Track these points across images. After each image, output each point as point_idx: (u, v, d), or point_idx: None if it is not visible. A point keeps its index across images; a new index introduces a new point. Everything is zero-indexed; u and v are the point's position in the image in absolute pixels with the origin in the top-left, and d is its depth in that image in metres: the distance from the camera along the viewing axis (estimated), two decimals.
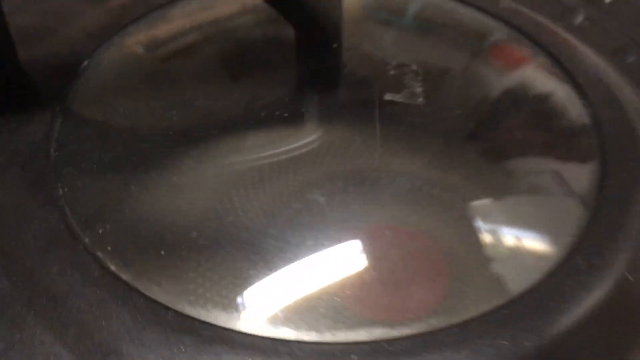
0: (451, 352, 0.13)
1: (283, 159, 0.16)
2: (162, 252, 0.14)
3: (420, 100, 0.17)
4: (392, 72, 0.17)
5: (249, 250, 0.14)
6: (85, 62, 0.19)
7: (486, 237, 0.15)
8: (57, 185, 0.16)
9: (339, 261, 0.14)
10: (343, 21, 0.17)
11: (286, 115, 0.16)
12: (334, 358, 0.13)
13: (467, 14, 0.21)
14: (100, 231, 0.15)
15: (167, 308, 0.14)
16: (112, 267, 0.14)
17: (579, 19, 0.23)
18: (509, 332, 0.13)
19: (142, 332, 0.13)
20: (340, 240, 0.15)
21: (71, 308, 0.14)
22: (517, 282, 0.15)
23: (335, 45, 0.16)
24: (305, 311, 0.14)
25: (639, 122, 0.18)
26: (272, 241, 0.14)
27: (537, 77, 0.19)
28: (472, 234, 0.15)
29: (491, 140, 0.18)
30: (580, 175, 0.17)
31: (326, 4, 0.16)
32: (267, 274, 0.14)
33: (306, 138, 0.17)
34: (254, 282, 0.14)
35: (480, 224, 0.16)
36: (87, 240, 0.15)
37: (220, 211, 0.15)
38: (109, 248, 0.15)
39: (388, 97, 0.17)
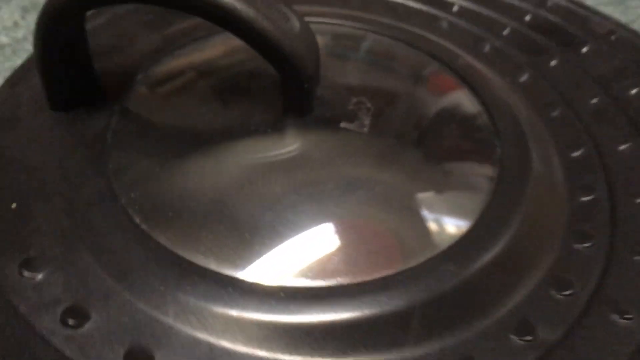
0: (347, 300, 0.19)
1: (265, 160, 0.23)
2: (170, 214, 0.21)
3: (366, 129, 0.23)
4: (350, 107, 0.24)
5: (229, 217, 0.21)
6: (140, 76, 0.27)
7: (409, 220, 0.22)
8: (108, 161, 0.23)
9: (290, 230, 0.21)
10: (320, 65, 0.23)
11: (270, 130, 0.23)
12: (266, 294, 0.19)
13: (414, 54, 0.27)
14: (132, 195, 0.22)
15: (167, 249, 0.20)
16: (137, 220, 0.21)
17: (524, 77, 0.28)
18: (399, 290, 0.19)
19: (148, 262, 0.20)
20: (293, 217, 0.21)
21: (107, 242, 0.21)
22: (424, 252, 0.21)
23: (306, 86, 0.22)
24: (259, 261, 0.20)
25: (536, 154, 0.24)
26: (246, 213, 0.21)
27: (463, 114, 0.25)
28: (398, 219, 0.22)
29: (424, 149, 0.24)
30: (485, 177, 0.23)
31: (305, 50, 0.22)
32: (239, 234, 0.21)
33: (284, 148, 0.23)
34: (229, 238, 0.21)
35: (405, 211, 0.22)
36: (123, 200, 0.22)
37: (215, 190, 0.22)
38: (136, 207, 0.22)
39: (343, 125, 0.23)
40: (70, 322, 0.19)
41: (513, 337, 0.20)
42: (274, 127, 0.23)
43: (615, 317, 0.20)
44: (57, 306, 0.20)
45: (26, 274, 0.20)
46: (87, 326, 0.19)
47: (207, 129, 0.24)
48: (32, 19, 0.44)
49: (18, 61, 0.41)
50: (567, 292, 0.21)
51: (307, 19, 0.25)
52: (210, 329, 0.19)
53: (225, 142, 0.24)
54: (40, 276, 0.20)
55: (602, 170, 0.24)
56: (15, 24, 0.43)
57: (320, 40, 0.25)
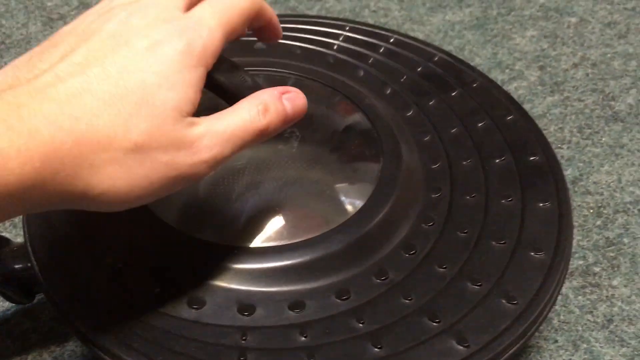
0: (274, 255, 0.32)
1: (227, 169, 0.36)
2: (171, 206, 0.34)
3: (294, 150, 0.36)
4: (285, 135, 0.37)
5: (205, 207, 0.34)
6: None
7: (319, 205, 0.35)
8: None
9: (240, 213, 0.34)
10: None
11: None
12: (225, 251, 0.32)
13: (333, 95, 0.40)
14: None
15: (164, 223, 0.33)
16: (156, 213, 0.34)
17: (410, 112, 0.41)
18: (306, 250, 0.32)
19: (158, 231, 0.33)
20: (243, 205, 0.34)
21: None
22: (325, 226, 0.33)
23: None
24: (222, 232, 0.33)
25: (406, 164, 0.37)
26: (215, 204, 0.34)
27: (361, 135, 0.38)
28: (312, 205, 0.35)
29: (333, 159, 0.37)
30: (372, 169, 0.36)
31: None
32: (211, 217, 0.34)
33: (240, 160, 0.36)
34: (205, 220, 0.33)
35: (317, 200, 0.35)
36: None
37: (197, 191, 0.35)
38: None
39: (280, 146, 0.36)
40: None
41: (374, 278, 0.33)
42: None
43: (437, 268, 0.33)
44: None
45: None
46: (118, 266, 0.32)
47: None
48: None
49: None
50: (412, 253, 0.34)
51: (260, 67, 0.38)
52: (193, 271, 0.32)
53: None
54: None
55: (450, 177, 0.37)
56: None
57: (268, 85, 0.38)
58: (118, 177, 0.24)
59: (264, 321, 0.31)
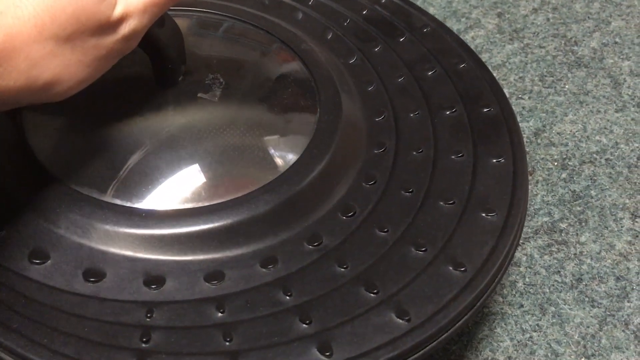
0: (186, 219, 0.28)
1: (137, 120, 0.31)
2: (66, 159, 0.29)
3: (217, 99, 0.31)
4: (207, 82, 0.32)
5: (107, 161, 0.29)
6: None
7: (249, 156, 0.30)
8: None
9: (151, 169, 0.29)
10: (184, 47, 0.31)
11: (145, 99, 0.31)
12: (130, 213, 0.28)
13: (261, 34, 0.36)
14: (42, 147, 0.30)
15: (62, 182, 0.28)
16: (43, 162, 0.29)
17: (354, 59, 0.37)
18: (227, 212, 0.28)
19: (47, 192, 0.28)
20: (155, 161, 0.29)
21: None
22: (250, 186, 0.29)
23: (170, 66, 0.30)
24: (127, 192, 0.28)
25: (346, 118, 0.32)
26: (118, 158, 0.29)
27: (296, 84, 0.34)
28: (242, 156, 0.30)
29: (266, 102, 0.33)
30: (308, 120, 0.32)
31: (170, 35, 0.30)
32: (114, 173, 0.29)
33: (154, 111, 0.31)
34: (106, 176, 0.29)
35: (248, 149, 0.31)
36: (34, 150, 0.30)
37: (99, 142, 0.30)
38: (43, 154, 0.29)
39: (200, 95, 0.31)
40: None
41: (305, 244, 0.29)
42: (148, 97, 0.32)
43: (377, 232, 0.29)
44: None
45: None
46: (1, 235, 0.27)
47: (97, 101, 0.32)
48: None
49: None
50: (350, 215, 0.30)
51: (184, 8, 0.33)
52: (91, 237, 0.27)
53: (109, 107, 0.31)
54: None
55: (395, 131, 0.33)
56: None
57: (191, 27, 0.33)
58: (55, 66, 0.24)
59: (174, 295, 0.27)
